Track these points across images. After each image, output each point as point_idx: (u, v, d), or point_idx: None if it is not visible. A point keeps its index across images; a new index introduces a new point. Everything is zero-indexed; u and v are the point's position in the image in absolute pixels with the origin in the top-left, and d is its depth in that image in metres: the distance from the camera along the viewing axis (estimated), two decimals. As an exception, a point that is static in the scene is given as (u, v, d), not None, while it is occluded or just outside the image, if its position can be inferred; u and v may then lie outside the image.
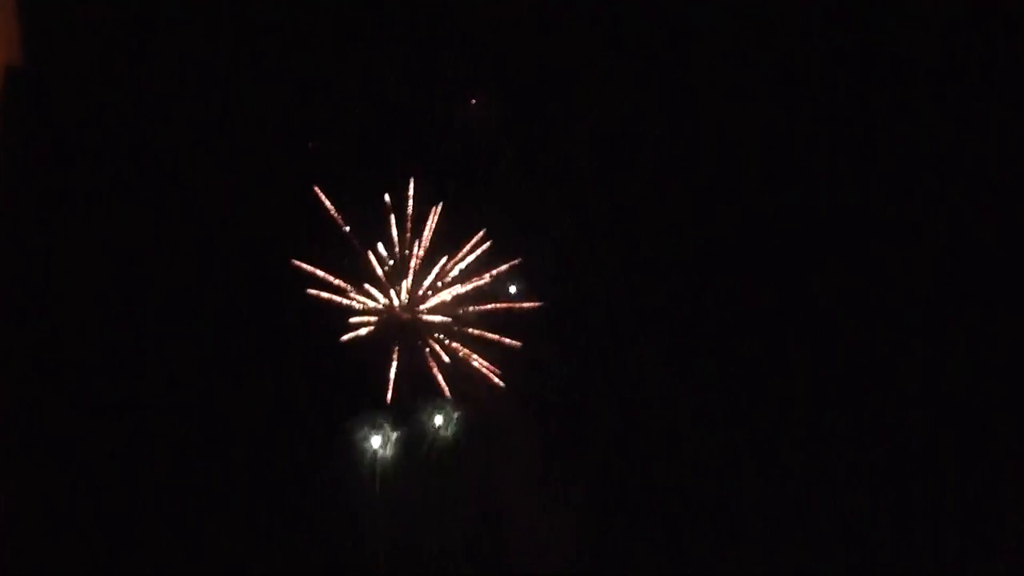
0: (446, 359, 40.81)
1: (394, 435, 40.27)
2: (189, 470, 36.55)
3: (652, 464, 37.65)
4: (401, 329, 41.18)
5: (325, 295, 40.72)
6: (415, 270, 41.45)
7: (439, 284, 41.70)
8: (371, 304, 41.30)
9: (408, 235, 41.22)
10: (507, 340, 40.75)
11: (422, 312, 41.58)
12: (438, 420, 40.58)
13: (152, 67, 36.53)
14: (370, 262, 41.27)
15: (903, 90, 36.01)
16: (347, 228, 40.63)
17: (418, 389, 40.84)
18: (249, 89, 37.21)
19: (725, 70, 36.75)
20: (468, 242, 41.47)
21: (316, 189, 39.85)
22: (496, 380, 40.24)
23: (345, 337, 40.55)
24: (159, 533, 35.61)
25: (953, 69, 35.43)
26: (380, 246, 41.21)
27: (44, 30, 33.76)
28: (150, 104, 36.50)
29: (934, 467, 34.66)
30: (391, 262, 41.41)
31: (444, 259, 41.38)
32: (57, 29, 34.26)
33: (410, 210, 41.08)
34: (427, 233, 41.17)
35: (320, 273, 40.72)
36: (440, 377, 40.86)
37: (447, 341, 41.13)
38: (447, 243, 41.32)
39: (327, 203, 40.48)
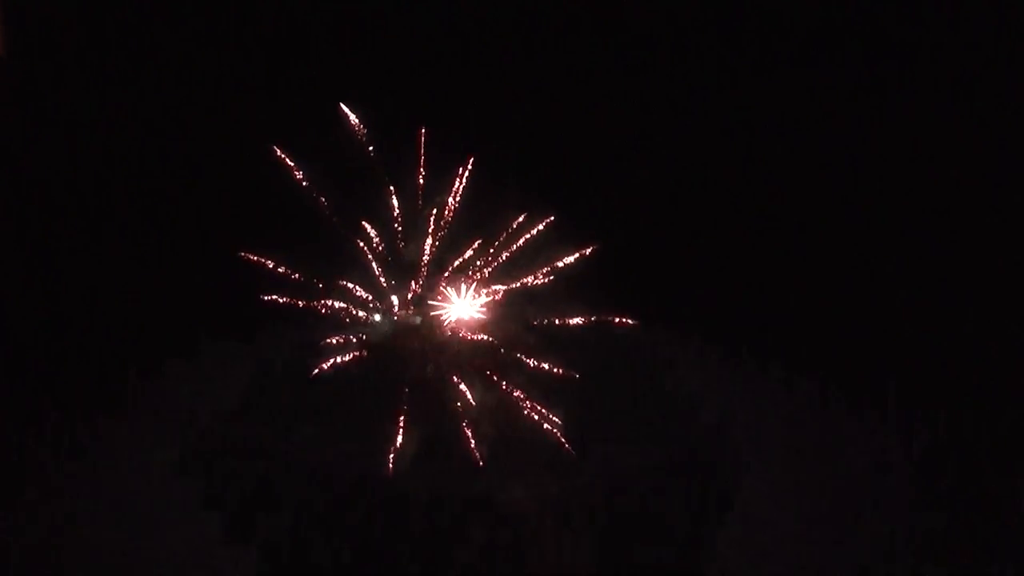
0: (472, 400, 33.04)
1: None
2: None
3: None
4: (407, 350, 34.18)
5: (287, 301, 33.75)
6: (429, 256, 34.12)
7: (470, 277, 34.24)
8: (357, 312, 34.25)
9: (418, 204, 34.04)
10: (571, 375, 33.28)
11: (441, 323, 34.11)
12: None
13: (135, 59, 36.99)
14: (356, 247, 33.99)
15: (906, 89, 38.06)
16: (321, 197, 33.72)
17: (434, 458, 33.35)
18: (235, 83, 36.51)
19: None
20: (514, 215, 33.93)
21: (274, 148, 34.00)
22: (568, 448, 33.72)
23: (316, 370, 33.19)
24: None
25: (953, 69, 37.68)
26: (369, 229, 33.61)
27: (24, 22, 36.57)
28: (132, 96, 36.93)
29: (935, 466, 36.94)
30: (386, 250, 34.52)
31: (477, 242, 33.91)
32: (37, 21, 37.00)
33: (421, 167, 33.85)
34: (449, 200, 34.04)
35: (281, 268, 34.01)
36: (472, 438, 32.86)
37: (486, 372, 33.59)
38: (482, 217, 34.41)
39: (289, 163, 33.83)
